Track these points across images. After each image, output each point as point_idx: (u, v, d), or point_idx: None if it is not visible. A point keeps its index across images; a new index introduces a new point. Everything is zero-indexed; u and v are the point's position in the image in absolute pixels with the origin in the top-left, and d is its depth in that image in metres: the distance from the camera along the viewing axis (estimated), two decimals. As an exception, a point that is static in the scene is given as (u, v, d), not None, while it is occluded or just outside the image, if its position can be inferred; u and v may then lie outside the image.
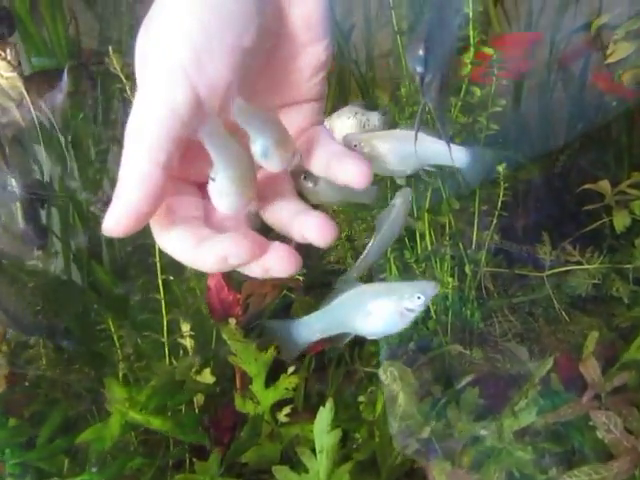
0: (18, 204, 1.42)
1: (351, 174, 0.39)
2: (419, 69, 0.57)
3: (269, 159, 0.38)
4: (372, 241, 0.68)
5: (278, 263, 0.36)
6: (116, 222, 0.34)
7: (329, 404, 0.73)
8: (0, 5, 1.38)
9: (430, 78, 0.57)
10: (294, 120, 0.43)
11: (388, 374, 0.82)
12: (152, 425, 0.68)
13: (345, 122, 0.69)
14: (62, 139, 1.41)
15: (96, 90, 1.43)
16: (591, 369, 0.86)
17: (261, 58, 0.38)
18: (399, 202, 0.64)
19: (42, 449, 0.66)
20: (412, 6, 1.30)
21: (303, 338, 0.52)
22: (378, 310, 0.50)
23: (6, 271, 1.12)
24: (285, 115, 0.42)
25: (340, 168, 0.39)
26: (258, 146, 0.38)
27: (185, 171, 0.39)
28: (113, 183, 0.35)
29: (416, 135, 0.75)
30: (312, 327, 0.52)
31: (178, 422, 0.71)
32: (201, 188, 0.40)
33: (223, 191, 0.37)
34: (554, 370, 0.94)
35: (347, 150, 0.41)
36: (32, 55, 1.35)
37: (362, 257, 0.69)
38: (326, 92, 0.44)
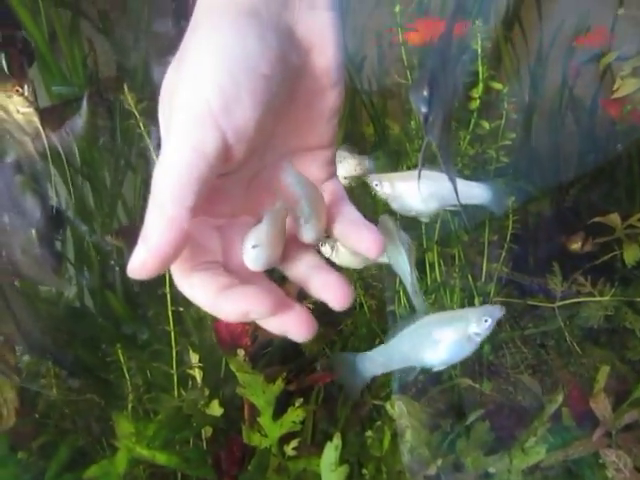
0: (34, 232, 1.44)
1: (366, 245, 0.40)
2: (423, 109, 0.59)
3: (306, 228, 0.40)
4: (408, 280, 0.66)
5: (297, 327, 0.37)
6: (142, 265, 0.34)
7: (336, 440, 0.73)
8: (20, 36, 1.43)
9: (433, 117, 0.58)
10: (309, 168, 0.43)
11: (396, 408, 0.81)
12: (159, 461, 0.68)
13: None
14: (79, 167, 1.44)
15: (113, 119, 1.47)
16: (602, 405, 0.85)
17: (283, 102, 0.40)
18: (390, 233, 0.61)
19: (50, 484, 0.66)
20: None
21: (367, 372, 0.52)
22: (446, 338, 0.50)
23: (21, 294, 1.14)
24: (300, 162, 0.43)
25: (356, 238, 0.41)
26: (303, 212, 0.40)
27: (206, 213, 0.40)
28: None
29: (419, 173, 0.77)
30: (376, 361, 0.52)
31: (185, 457, 0.71)
32: (220, 231, 0.40)
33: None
34: (565, 404, 0.93)
35: (363, 219, 0.42)
36: (52, 84, 1.39)
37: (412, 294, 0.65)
38: (336, 140, 0.45)
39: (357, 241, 0.41)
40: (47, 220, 1.43)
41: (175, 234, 0.34)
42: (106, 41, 1.47)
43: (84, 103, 1.18)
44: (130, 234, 1.28)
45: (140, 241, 0.35)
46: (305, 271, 0.41)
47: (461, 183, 0.61)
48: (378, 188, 0.59)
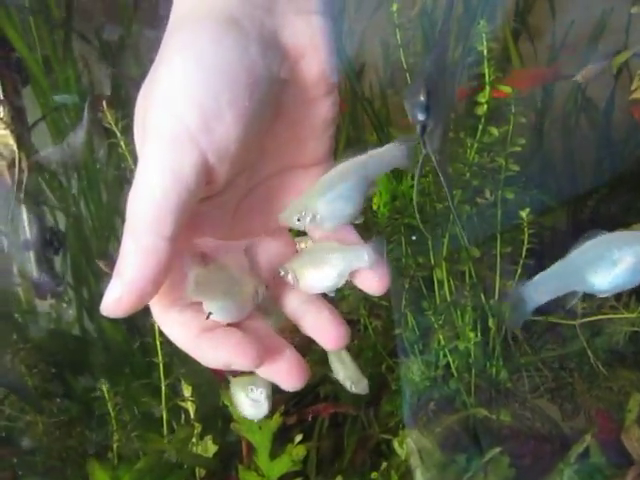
0: (32, 253, 1.41)
1: (369, 285, 0.39)
2: (420, 116, 0.52)
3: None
4: None
5: (286, 377, 0.35)
6: (116, 302, 0.32)
7: (337, 485, 0.66)
8: (14, 57, 1.40)
9: (432, 126, 0.52)
10: (303, 185, 0.40)
11: (405, 446, 0.74)
12: (138, 516, 0.62)
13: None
14: (77, 181, 1.41)
15: (105, 137, 1.43)
16: (635, 440, 0.76)
17: (270, 116, 0.36)
18: None
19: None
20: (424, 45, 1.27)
21: (532, 301, 0.47)
22: (626, 259, 0.44)
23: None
24: (293, 181, 0.40)
25: (361, 278, 0.39)
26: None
27: (187, 242, 0.36)
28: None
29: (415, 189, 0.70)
30: (542, 287, 0.47)
31: (168, 510, 0.64)
32: (204, 259, 0.37)
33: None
34: (592, 435, 0.85)
35: (358, 238, 0.40)
36: (45, 105, 1.37)
37: None
38: (332, 155, 0.41)
39: (362, 282, 0.40)
40: (44, 242, 1.40)
41: (152, 267, 0.32)
42: (100, 59, 1.45)
43: (85, 114, 1.15)
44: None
45: (114, 275, 0.32)
46: (298, 307, 0.39)
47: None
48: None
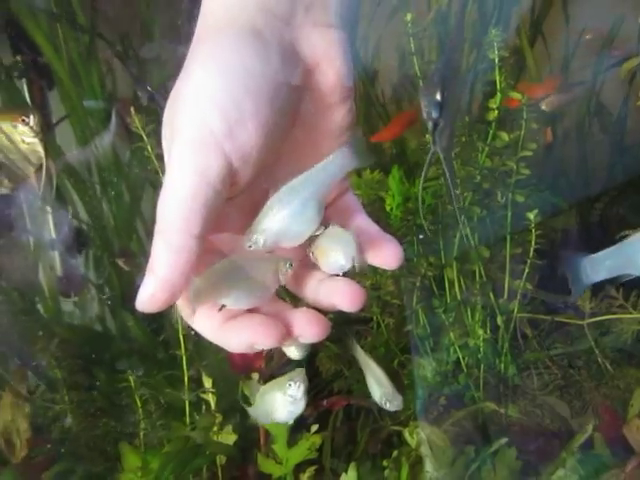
0: (56, 252, 1.46)
1: (384, 256, 0.40)
2: (434, 114, 0.56)
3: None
4: None
5: (306, 330, 0.37)
6: (151, 298, 0.34)
7: (351, 472, 0.70)
8: (41, 61, 1.45)
9: (442, 126, 0.56)
10: None
11: (415, 436, 0.78)
12: (164, 496, 0.66)
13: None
14: (102, 183, 1.45)
15: (130, 139, 1.48)
16: (636, 432, 0.79)
17: (288, 122, 0.38)
18: None
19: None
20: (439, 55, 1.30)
21: (590, 275, 0.50)
22: None
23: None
24: None
25: (374, 251, 0.40)
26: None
27: (211, 239, 0.39)
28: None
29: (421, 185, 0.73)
30: (600, 264, 0.50)
31: (193, 492, 0.68)
32: (224, 256, 0.39)
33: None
34: (597, 429, 0.88)
35: (380, 231, 0.41)
36: (71, 108, 1.41)
37: None
38: None
39: (374, 254, 0.40)
40: (69, 242, 1.45)
41: (183, 265, 0.34)
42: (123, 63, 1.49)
43: (113, 117, 1.19)
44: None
45: (148, 273, 0.34)
46: (313, 285, 0.40)
47: None
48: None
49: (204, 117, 0.34)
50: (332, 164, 0.40)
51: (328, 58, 0.38)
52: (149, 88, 1.31)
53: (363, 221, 0.42)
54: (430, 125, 0.56)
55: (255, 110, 0.35)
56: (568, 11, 1.34)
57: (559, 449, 0.92)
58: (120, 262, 1.26)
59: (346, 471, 0.71)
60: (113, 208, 1.46)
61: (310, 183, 0.39)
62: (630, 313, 1.01)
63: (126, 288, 1.41)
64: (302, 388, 0.65)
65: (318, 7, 0.38)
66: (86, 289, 1.45)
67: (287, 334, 0.36)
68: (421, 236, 0.92)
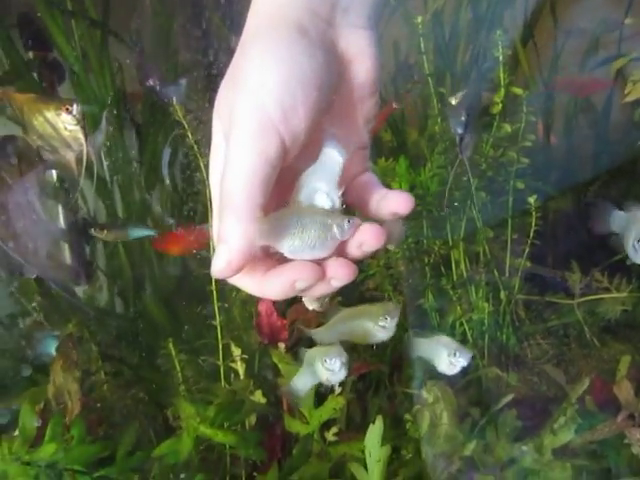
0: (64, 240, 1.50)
1: (395, 203, 0.44)
2: (460, 130, 0.71)
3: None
4: None
5: (339, 271, 0.41)
6: (227, 265, 0.39)
7: (379, 421, 0.78)
8: (51, 56, 1.50)
9: (468, 140, 0.70)
10: (345, 165, 0.47)
11: (431, 393, 0.87)
12: (220, 439, 0.74)
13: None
14: (107, 176, 1.50)
15: (139, 130, 1.53)
16: (625, 390, 0.90)
17: (327, 109, 0.44)
18: None
19: (122, 463, 0.72)
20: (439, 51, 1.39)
21: None
22: None
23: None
24: None
25: (386, 203, 0.44)
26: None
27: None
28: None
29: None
30: None
31: (243, 437, 0.76)
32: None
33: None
34: (588, 393, 0.98)
35: (387, 189, 0.47)
36: (84, 99, 1.46)
37: None
38: (370, 143, 0.49)
39: (386, 203, 0.44)
40: (77, 229, 1.49)
41: (252, 233, 0.38)
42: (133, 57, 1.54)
43: (103, 120, 1.24)
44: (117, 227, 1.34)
45: (220, 244, 0.39)
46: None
47: None
48: None
49: (263, 104, 0.40)
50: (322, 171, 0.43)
51: (361, 56, 0.44)
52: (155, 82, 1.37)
53: (380, 189, 0.47)
54: (457, 139, 0.71)
55: (304, 98, 0.41)
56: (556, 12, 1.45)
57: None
58: (98, 234, 1.30)
59: (370, 422, 0.79)
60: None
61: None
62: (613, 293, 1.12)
63: (138, 273, 1.47)
64: (338, 362, 0.72)
65: (354, 10, 0.44)
66: (96, 277, 1.50)
67: (323, 274, 0.41)
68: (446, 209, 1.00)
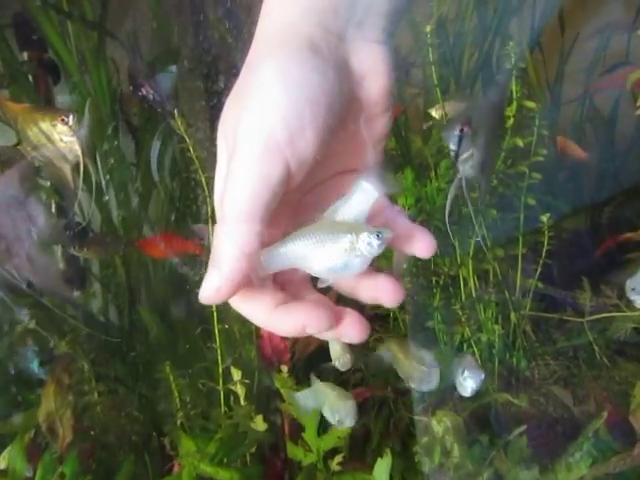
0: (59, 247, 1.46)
1: (418, 246, 0.42)
2: (453, 147, 0.67)
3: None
4: None
5: (352, 330, 0.39)
6: (216, 291, 0.37)
7: (387, 456, 0.75)
8: (46, 57, 1.46)
9: (467, 155, 0.66)
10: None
11: (441, 424, 0.83)
12: (221, 477, 0.70)
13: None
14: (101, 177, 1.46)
15: (135, 132, 1.49)
16: (642, 420, 0.86)
17: (338, 129, 0.41)
18: None
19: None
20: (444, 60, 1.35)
21: None
22: None
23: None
24: (346, 181, 0.44)
25: (407, 240, 0.42)
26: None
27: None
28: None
29: (448, 207, 0.83)
30: None
31: (244, 474, 0.72)
32: None
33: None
34: (603, 415, 0.95)
35: (411, 222, 0.43)
36: (79, 101, 1.42)
37: None
38: (380, 162, 0.46)
39: (408, 244, 0.42)
40: (71, 236, 1.45)
41: (247, 261, 0.36)
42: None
43: (86, 114, 1.20)
44: (97, 244, 1.30)
45: (211, 268, 0.37)
46: (355, 279, 0.42)
47: None
48: None
49: (269, 126, 0.37)
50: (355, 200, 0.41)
51: (375, 72, 0.41)
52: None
53: (394, 215, 0.44)
54: (452, 155, 0.67)
55: (313, 119, 0.38)
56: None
57: (562, 435, 0.99)
58: (77, 252, 1.26)
59: (380, 456, 0.75)
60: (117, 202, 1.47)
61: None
62: (624, 312, 1.09)
63: (135, 285, 1.43)
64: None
65: (368, 24, 0.41)
66: (89, 285, 1.46)
67: (334, 323, 0.39)
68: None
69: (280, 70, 0.38)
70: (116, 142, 1.44)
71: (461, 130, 0.68)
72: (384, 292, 0.40)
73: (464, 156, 0.70)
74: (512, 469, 0.88)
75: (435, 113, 1.17)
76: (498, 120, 0.76)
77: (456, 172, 0.75)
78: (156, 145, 1.38)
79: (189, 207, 1.34)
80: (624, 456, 0.84)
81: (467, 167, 0.72)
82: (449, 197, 0.83)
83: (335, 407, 0.70)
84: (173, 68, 1.32)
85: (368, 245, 0.38)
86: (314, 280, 0.42)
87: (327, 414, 0.70)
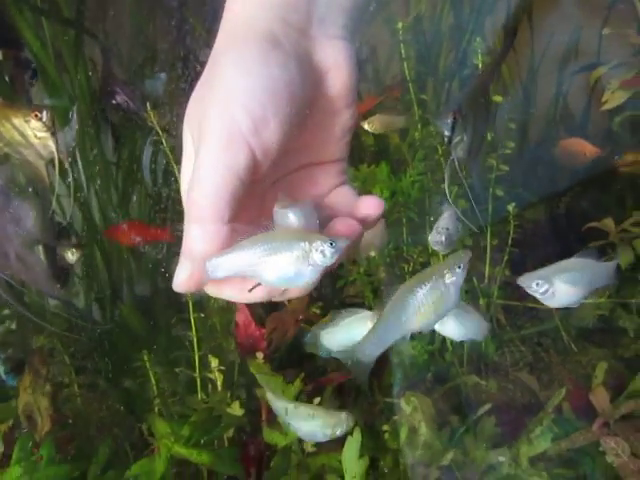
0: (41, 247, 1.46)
1: (366, 208, 0.44)
2: (446, 132, 0.73)
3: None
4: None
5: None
6: (189, 279, 0.38)
7: (356, 434, 0.78)
8: (23, 56, 1.46)
9: (458, 140, 0.70)
10: (320, 179, 0.47)
11: (410, 404, 0.86)
12: (195, 459, 0.73)
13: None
14: (82, 176, 1.47)
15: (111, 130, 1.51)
16: (601, 398, 0.91)
17: (302, 122, 0.43)
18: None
19: (94, 482, 0.70)
20: (421, 57, 1.39)
21: None
22: None
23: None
24: (311, 173, 0.46)
25: (357, 209, 0.44)
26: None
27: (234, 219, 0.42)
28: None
29: (447, 184, 0.87)
30: None
31: (218, 455, 0.75)
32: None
33: None
34: (565, 399, 0.99)
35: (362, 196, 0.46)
36: (56, 98, 1.43)
37: None
38: (349, 153, 0.48)
39: (358, 209, 0.44)
40: (52, 235, 1.46)
41: (218, 248, 0.38)
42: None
43: (74, 115, 1.21)
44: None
45: (183, 257, 0.38)
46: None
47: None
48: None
49: (233, 117, 0.38)
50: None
51: (337, 67, 0.43)
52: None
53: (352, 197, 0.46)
54: (445, 140, 0.72)
55: (276, 110, 0.39)
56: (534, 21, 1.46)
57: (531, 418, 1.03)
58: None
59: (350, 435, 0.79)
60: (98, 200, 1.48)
61: None
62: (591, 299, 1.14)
63: (117, 281, 1.45)
64: None
65: (330, 20, 0.43)
66: (71, 283, 1.47)
67: None
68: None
69: (241, 63, 0.40)
70: (95, 140, 1.46)
71: (453, 117, 0.73)
72: (367, 207, 0.43)
73: (456, 140, 0.76)
74: (479, 448, 0.92)
75: (367, 126, 1.23)
76: (484, 107, 0.82)
77: (449, 155, 0.80)
78: (148, 150, 1.39)
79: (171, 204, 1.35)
80: (584, 432, 0.88)
81: (458, 150, 0.78)
82: (446, 177, 0.89)
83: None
84: (162, 76, 1.33)
85: (321, 254, 0.38)
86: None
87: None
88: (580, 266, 0.68)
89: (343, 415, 0.80)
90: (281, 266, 0.38)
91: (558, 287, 0.65)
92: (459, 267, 0.49)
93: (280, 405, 0.84)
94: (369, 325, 0.67)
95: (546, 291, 0.65)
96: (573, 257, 0.68)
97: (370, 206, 0.44)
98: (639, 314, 1.09)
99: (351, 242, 0.40)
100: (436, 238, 0.82)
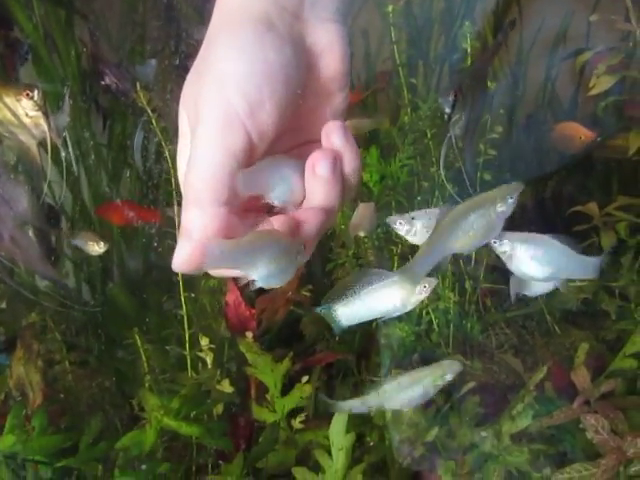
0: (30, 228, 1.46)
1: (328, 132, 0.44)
2: (447, 109, 0.77)
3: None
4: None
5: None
6: (188, 259, 0.38)
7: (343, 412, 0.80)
8: (12, 36, 1.45)
9: (456, 118, 0.72)
10: None
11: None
12: (184, 431, 0.74)
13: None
14: (72, 158, 1.47)
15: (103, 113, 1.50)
16: (582, 377, 0.93)
17: (296, 104, 0.43)
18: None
19: (85, 453, 0.71)
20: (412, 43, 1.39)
21: None
22: None
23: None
24: (307, 153, 0.45)
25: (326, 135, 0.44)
26: None
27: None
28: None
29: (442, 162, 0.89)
30: None
31: (207, 429, 0.77)
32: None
33: None
34: (547, 379, 1.02)
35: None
36: (46, 79, 1.42)
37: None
38: None
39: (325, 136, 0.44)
40: (42, 216, 1.46)
41: (216, 228, 0.38)
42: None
43: (66, 99, 1.21)
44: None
45: (182, 238, 0.39)
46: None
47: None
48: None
49: (230, 100, 0.39)
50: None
51: (330, 50, 0.44)
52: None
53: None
54: (446, 117, 0.75)
55: (272, 92, 0.40)
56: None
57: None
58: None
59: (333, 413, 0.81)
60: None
61: None
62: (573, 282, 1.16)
63: (107, 263, 1.45)
64: None
65: (322, 4, 0.43)
66: (61, 265, 1.48)
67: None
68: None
69: (236, 46, 0.41)
70: (85, 121, 1.45)
71: (455, 95, 0.76)
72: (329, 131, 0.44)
73: (454, 118, 0.78)
74: (463, 425, 0.94)
75: None
76: (482, 91, 0.86)
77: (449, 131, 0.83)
78: (140, 134, 1.39)
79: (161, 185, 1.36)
80: (565, 410, 0.91)
81: (456, 128, 0.81)
82: (442, 153, 0.91)
83: None
84: (152, 62, 1.33)
85: (300, 254, 0.42)
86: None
87: None
88: (549, 245, 0.67)
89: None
90: (278, 266, 0.40)
91: (518, 252, 0.65)
92: (511, 198, 0.52)
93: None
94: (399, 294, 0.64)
95: (505, 252, 0.65)
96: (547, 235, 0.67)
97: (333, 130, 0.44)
98: (621, 297, 1.12)
99: (316, 228, 0.42)
100: (398, 225, 0.75)
